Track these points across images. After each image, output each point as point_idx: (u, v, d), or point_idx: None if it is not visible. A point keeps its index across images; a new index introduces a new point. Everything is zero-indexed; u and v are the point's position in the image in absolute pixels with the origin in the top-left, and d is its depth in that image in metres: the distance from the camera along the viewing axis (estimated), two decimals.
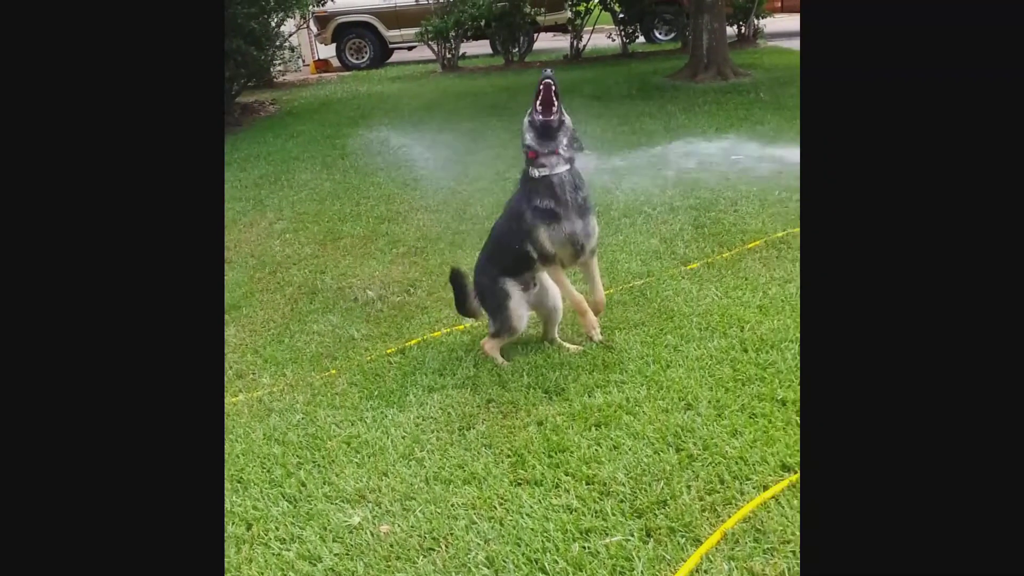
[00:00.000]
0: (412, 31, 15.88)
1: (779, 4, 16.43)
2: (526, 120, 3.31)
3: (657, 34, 16.82)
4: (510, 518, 2.47)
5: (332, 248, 5.44)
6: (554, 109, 3.23)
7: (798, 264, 4.25)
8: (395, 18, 16.87)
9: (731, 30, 14.12)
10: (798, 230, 4.71)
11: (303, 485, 2.76)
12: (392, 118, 10.26)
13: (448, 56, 15.20)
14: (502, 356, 3.53)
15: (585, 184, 3.32)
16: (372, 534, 2.47)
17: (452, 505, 2.56)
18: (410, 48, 17.96)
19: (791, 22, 17.97)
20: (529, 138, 3.28)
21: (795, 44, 14.54)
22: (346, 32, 17.34)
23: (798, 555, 2.18)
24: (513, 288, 3.45)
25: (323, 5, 15.57)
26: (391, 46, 17.70)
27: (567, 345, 3.61)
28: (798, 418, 2.84)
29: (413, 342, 3.81)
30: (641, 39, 16.30)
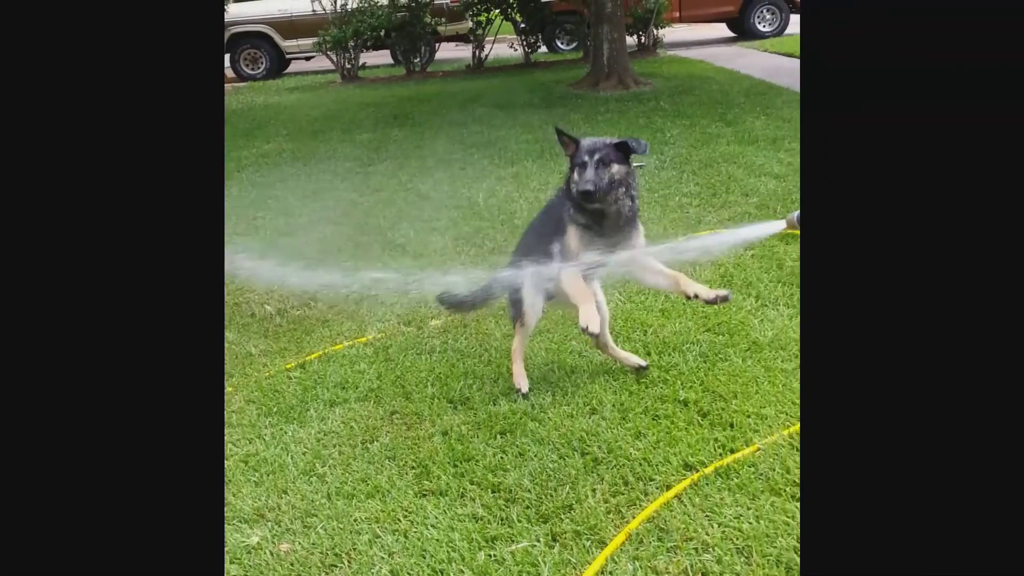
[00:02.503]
0: (310, 41, 15.63)
1: (677, 15, 16.84)
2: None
3: (559, 43, 17.02)
4: (415, 530, 2.42)
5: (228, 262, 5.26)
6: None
7: (697, 268, 4.34)
8: (291, 28, 16.56)
9: (631, 40, 14.39)
10: (699, 234, 4.82)
11: None
12: (290, 129, 10.06)
13: (348, 66, 15.00)
14: (524, 377, 3.23)
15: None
16: (272, 553, 2.39)
17: (355, 520, 2.50)
18: (308, 58, 17.65)
19: (689, 32, 18.53)
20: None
21: (693, 54, 14.95)
22: (240, 42, 16.91)
23: (700, 552, 2.22)
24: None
25: None
26: (288, 56, 17.35)
27: (626, 355, 3.34)
28: (700, 418, 2.89)
29: (314, 356, 3.72)
30: (543, 48, 16.47)
